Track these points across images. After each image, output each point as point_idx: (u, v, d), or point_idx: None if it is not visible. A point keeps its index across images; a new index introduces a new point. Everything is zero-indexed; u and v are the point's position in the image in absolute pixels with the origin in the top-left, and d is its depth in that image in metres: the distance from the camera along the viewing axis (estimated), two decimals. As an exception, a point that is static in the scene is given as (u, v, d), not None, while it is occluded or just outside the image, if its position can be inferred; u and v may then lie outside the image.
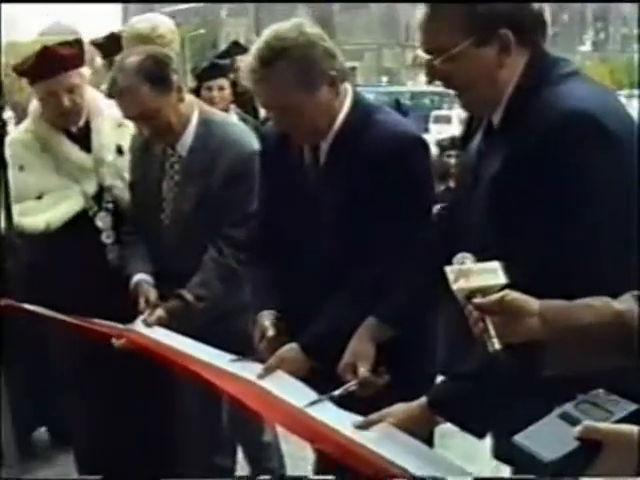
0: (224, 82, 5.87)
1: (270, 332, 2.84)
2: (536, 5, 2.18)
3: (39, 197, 3.80)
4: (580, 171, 2.02)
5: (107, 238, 3.81)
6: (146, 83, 3.27)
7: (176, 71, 3.36)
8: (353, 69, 55.35)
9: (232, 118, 3.60)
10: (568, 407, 1.55)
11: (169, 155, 3.47)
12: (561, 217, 2.03)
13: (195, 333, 3.06)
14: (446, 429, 2.27)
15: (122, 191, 3.80)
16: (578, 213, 2.01)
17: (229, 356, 2.90)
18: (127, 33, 4.56)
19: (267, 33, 2.72)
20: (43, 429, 5.01)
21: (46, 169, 3.82)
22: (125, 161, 3.80)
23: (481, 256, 1.94)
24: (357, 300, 2.69)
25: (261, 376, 2.68)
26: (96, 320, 3.43)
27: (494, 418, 2.13)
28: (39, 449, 4.94)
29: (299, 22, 2.77)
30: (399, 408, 2.23)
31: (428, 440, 2.30)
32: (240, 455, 4.04)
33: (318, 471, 3.26)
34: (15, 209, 3.70)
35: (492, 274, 1.88)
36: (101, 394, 3.90)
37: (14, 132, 3.99)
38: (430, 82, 2.30)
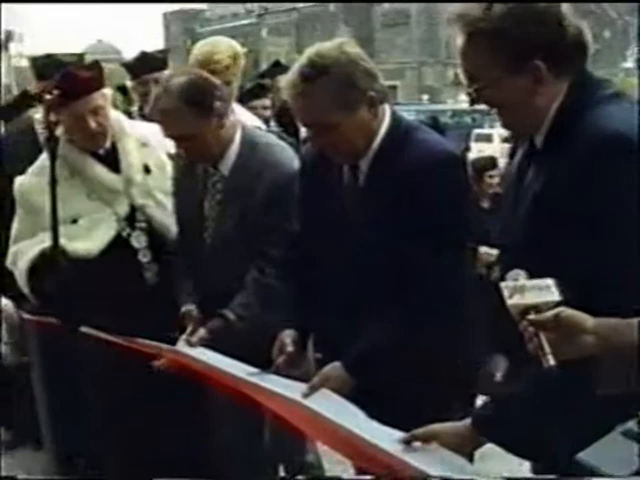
0: (267, 102, 5.90)
1: (289, 348, 2.90)
2: (573, 30, 2.17)
3: (74, 221, 3.81)
4: (622, 192, 2.01)
5: (144, 257, 3.83)
6: (187, 107, 3.28)
7: (220, 97, 3.36)
8: (394, 88, 55.39)
9: (274, 138, 3.59)
10: (631, 425, 1.54)
11: (211, 174, 3.48)
12: (605, 239, 2.02)
13: (238, 353, 3.05)
14: (485, 450, 2.26)
15: (153, 209, 3.82)
16: (622, 235, 2.00)
17: (248, 369, 2.92)
18: (191, 56, 4.62)
19: (309, 51, 2.75)
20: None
21: (77, 194, 3.82)
22: (153, 180, 3.84)
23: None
24: (399, 320, 2.70)
25: (306, 394, 2.68)
26: (139, 340, 3.45)
27: (539, 439, 2.11)
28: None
29: (341, 42, 2.78)
30: (444, 426, 2.22)
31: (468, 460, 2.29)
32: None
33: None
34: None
35: (546, 291, 1.89)
36: (140, 414, 3.91)
37: (38, 161, 4.01)
38: (472, 104, 2.32)
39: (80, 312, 3.72)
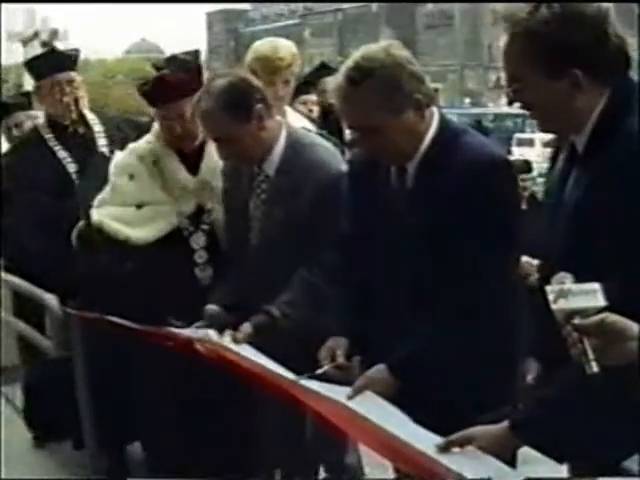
0: (313, 97, 5.94)
1: (340, 359, 2.89)
2: (616, 39, 2.16)
3: (139, 207, 3.90)
4: None
5: (199, 258, 3.88)
6: (225, 110, 3.29)
7: (261, 99, 3.37)
8: (435, 90, 55.15)
9: (319, 138, 3.60)
10: None
11: (256, 174, 3.49)
12: None
13: (283, 353, 3.04)
14: (526, 455, 2.25)
15: (220, 214, 3.84)
16: None
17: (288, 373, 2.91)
18: (250, 54, 4.64)
19: (356, 54, 2.75)
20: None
21: (153, 182, 3.92)
22: None
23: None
24: (446, 324, 2.69)
25: (350, 397, 2.68)
26: (184, 331, 3.47)
27: (577, 443, 2.10)
28: (133, 464, 4.93)
29: (388, 44, 2.78)
30: (480, 430, 2.21)
31: (511, 465, 2.28)
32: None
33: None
34: (112, 212, 3.88)
35: (592, 295, 1.87)
36: (182, 410, 3.94)
37: (139, 142, 4.11)
38: (510, 104, 2.33)
39: (120, 302, 3.80)
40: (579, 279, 1.91)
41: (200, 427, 3.90)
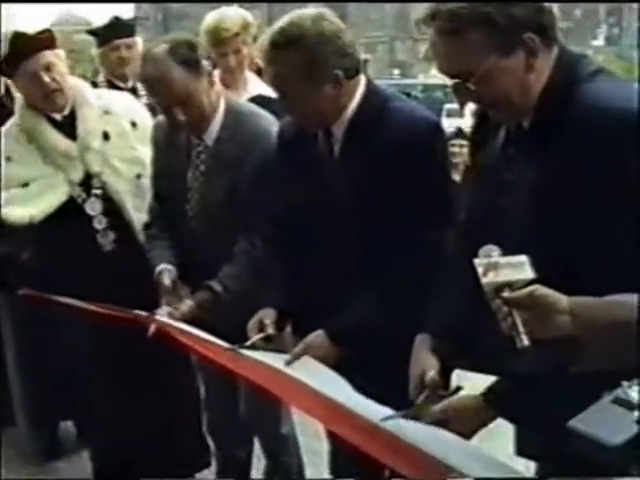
0: None
1: (269, 329, 2.86)
2: (547, 3, 2.11)
3: (25, 185, 3.83)
4: (632, 170, 1.90)
5: (99, 224, 3.84)
6: (179, 67, 3.21)
7: (205, 56, 3.31)
8: (365, 62, 55.16)
9: (258, 108, 3.53)
10: (619, 392, 1.50)
11: (195, 144, 3.42)
12: (620, 218, 1.91)
13: (228, 329, 3.00)
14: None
15: (109, 177, 3.83)
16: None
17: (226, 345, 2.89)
18: (201, 28, 4.58)
19: (285, 18, 2.70)
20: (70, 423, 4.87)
21: (32, 158, 3.84)
22: (111, 147, 3.84)
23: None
24: (384, 292, 2.68)
25: (288, 362, 2.68)
26: (115, 307, 3.42)
27: (544, 414, 2.07)
28: (66, 445, 4.84)
29: (320, 12, 2.71)
30: (456, 401, 2.21)
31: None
32: (257, 447, 4.02)
33: (333, 463, 3.26)
34: (1, 198, 3.78)
35: (520, 268, 1.86)
36: (115, 384, 3.91)
37: (6, 125, 4.01)
38: (462, 106, 2.25)
39: (31, 277, 3.78)
40: (541, 257, 1.88)
41: (132, 402, 3.87)
